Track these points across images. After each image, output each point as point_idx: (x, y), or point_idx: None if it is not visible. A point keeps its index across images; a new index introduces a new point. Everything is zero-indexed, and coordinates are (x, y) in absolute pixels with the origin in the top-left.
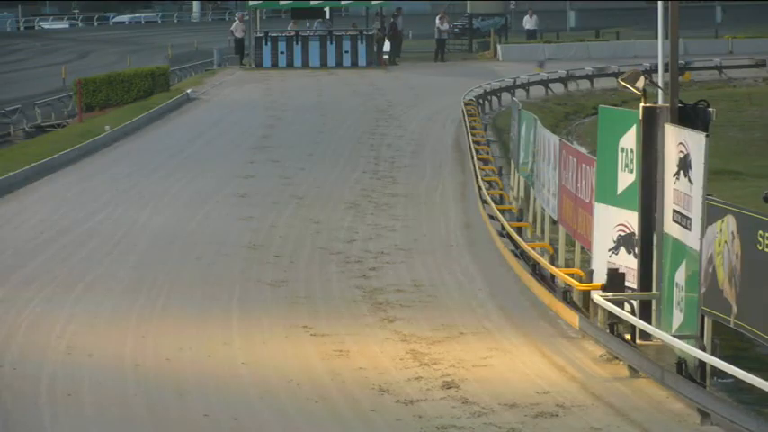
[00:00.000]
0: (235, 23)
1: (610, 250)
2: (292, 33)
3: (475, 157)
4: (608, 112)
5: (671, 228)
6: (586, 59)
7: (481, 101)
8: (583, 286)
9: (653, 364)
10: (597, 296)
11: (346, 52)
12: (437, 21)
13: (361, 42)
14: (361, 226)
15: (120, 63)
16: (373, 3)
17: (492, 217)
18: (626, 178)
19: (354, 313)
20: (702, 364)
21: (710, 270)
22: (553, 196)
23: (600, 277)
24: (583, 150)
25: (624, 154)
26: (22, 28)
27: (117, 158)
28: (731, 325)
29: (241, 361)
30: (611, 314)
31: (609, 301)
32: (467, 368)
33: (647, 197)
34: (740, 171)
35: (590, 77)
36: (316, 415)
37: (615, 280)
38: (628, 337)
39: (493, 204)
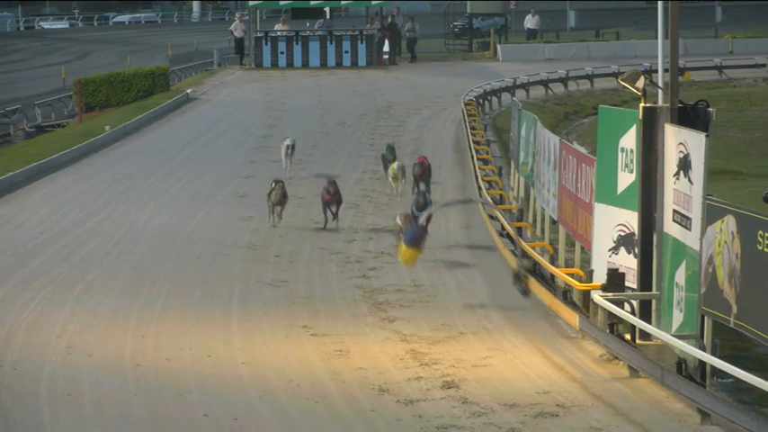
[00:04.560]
0: (234, 23)
1: (610, 250)
2: (285, 34)
3: (475, 157)
4: (608, 112)
5: (671, 228)
6: (586, 59)
7: (481, 101)
8: (583, 286)
9: (653, 364)
10: (597, 296)
11: (346, 52)
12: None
13: (361, 42)
14: (362, 226)
15: (120, 63)
16: (373, 3)
17: (492, 217)
18: (626, 178)
19: (354, 313)
20: (702, 364)
21: (710, 270)
22: (553, 196)
23: (600, 277)
24: (583, 150)
25: (624, 154)
26: (22, 28)
27: (117, 158)
28: (731, 325)
29: (241, 361)
30: (611, 314)
31: (609, 301)
32: (467, 368)
33: (647, 197)
34: (740, 171)
35: (590, 77)
36: (316, 415)
37: (615, 280)
38: (628, 337)
39: (493, 204)
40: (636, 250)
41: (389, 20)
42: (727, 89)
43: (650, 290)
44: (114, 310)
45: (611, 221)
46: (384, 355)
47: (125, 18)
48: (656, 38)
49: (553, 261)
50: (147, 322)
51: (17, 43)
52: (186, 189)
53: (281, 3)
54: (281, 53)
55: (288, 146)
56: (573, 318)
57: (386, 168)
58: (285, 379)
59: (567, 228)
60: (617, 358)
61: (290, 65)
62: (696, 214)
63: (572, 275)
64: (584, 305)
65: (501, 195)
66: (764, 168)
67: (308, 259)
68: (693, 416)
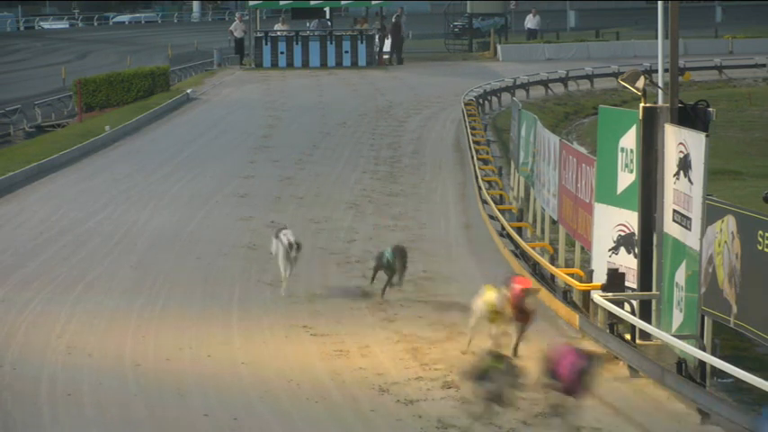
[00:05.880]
0: (234, 23)
1: (610, 250)
2: (285, 34)
3: (475, 157)
4: (608, 112)
5: (671, 228)
6: (586, 59)
7: (481, 101)
8: (583, 286)
9: (653, 364)
10: (597, 296)
11: (346, 52)
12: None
13: (361, 42)
14: (361, 226)
15: (120, 63)
16: (373, 3)
17: (492, 217)
18: (626, 178)
19: (354, 313)
20: (702, 364)
21: (710, 270)
22: (553, 196)
23: (600, 277)
24: (583, 150)
25: (624, 154)
26: (22, 28)
27: (117, 158)
28: (731, 325)
29: (241, 361)
30: (611, 314)
31: (609, 301)
32: (467, 368)
33: (647, 197)
34: (740, 171)
35: (590, 77)
36: (316, 415)
37: (615, 280)
38: (628, 337)
39: (493, 204)
40: (636, 250)
41: (393, 20)
42: (727, 89)
43: (650, 290)
44: (114, 310)
45: (611, 221)
46: (384, 355)
47: (125, 18)
48: (656, 38)
49: (553, 261)
50: (147, 322)
51: (17, 43)
52: (186, 189)
53: (281, 3)
54: (281, 53)
55: (291, 242)
56: (573, 318)
57: (388, 273)
58: (285, 379)
59: (567, 228)
60: (617, 358)
61: (290, 65)
62: (696, 214)
63: (572, 275)
64: (584, 305)
65: (501, 195)
66: (764, 168)
67: (308, 259)
68: (693, 416)
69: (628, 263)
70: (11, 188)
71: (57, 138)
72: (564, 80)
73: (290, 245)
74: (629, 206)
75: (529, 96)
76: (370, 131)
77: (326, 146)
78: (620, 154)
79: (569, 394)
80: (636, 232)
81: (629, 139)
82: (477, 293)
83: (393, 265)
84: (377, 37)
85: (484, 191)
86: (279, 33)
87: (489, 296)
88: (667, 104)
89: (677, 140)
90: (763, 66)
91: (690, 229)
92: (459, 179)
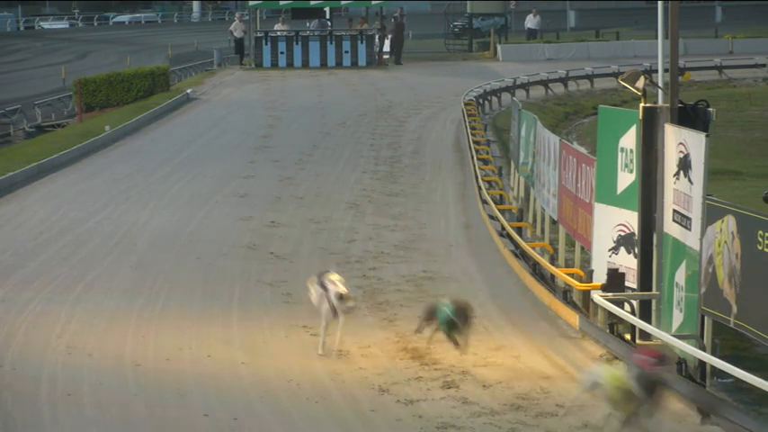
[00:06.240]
0: (234, 23)
1: (610, 250)
2: (285, 34)
3: (475, 157)
4: (608, 112)
5: (671, 228)
6: (586, 59)
7: (481, 101)
8: (583, 286)
9: None
10: (597, 296)
11: (346, 52)
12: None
13: (361, 42)
14: (361, 226)
15: (120, 63)
16: (373, 3)
17: (492, 217)
18: (626, 178)
19: (354, 313)
20: (702, 364)
21: (710, 270)
22: (553, 196)
23: (600, 277)
24: (583, 150)
25: (624, 154)
26: (22, 28)
27: (117, 158)
28: (731, 325)
29: (241, 361)
30: (611, 314)
31: (609, 301)
32: (467, 368)
33: (647, 197)
34: (740, 171)
35: (590, 77)
36: (316, 415)
37: (615, 280)
38: (628, 337)
39: (493, 204)
40: (636, 250)
41: (394, 20)
42: (727, 89)
43: (650, 290)
44: (114, 310)
45: (611, 221)
46: (384, 355)
47: (125, 18)
48: (656, 38)
49: (553, 261)
50: (147, 322)
51: (17, 43)
52: (186, 189)
53: (281, 3)
54: (281, 53)
55: (340, 294)
56: (573, 318)
57: (449, 330)
58: (285, 379)
59: (567, 228)
60: (617, 358)
61: (290, 65)
62: (696, 214)
63: (572, 275)
64: (584, 305)
65: (501, 195)
66: (764, 168)
67: (308, 259)
68: (693, 416)
69: (628, 263)
70: (11, 188)
71: (57, 138)
72: (564, 80)
73: (340, 296)
74: (629, 206)
75: (529, 96)
76: (370, 131)
77: (326, 146)
78: (620, 154)
79: None
80: (636, 232)
81: (629, 139)
82: (589, 371)
83: (455, 327)
84: (377, 37)
85: (484, 191)
86: (279, 33)
87: (613, 372)
88: (667, 104)
89: (677, 140)
90: (763, 66)
91: (690, 229)
92: (459, 179)
